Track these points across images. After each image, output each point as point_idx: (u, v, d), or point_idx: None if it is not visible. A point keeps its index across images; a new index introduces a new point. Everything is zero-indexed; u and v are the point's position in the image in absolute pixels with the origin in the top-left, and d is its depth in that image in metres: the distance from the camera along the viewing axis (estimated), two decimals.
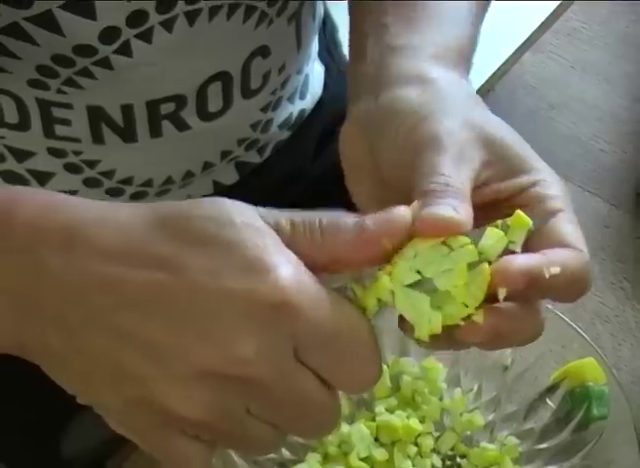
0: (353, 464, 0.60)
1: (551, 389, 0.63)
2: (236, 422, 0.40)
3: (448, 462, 0.62)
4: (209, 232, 0.39)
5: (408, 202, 0.44)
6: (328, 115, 0.84)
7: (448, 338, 0.43)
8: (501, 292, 0.43)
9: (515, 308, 0.44)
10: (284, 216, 0.42)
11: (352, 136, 0.54)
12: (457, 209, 0.43)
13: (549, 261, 0.43)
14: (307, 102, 0.80)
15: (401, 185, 0.48)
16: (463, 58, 0.56)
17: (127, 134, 0.66)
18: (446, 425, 0.63)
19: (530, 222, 0.44)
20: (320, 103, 0.82)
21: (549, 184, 0.48)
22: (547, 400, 0.63)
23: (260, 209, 0.42)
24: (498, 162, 0.48)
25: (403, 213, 0.42)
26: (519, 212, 0.44)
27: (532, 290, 0.43)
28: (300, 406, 0.40)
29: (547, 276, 0.43)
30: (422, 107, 0.50)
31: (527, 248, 0.46)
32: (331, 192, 0.84)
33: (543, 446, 0.62)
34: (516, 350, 0.64)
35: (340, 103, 0.86)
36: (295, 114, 0.78)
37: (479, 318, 0.42)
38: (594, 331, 0.70)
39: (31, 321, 0.41)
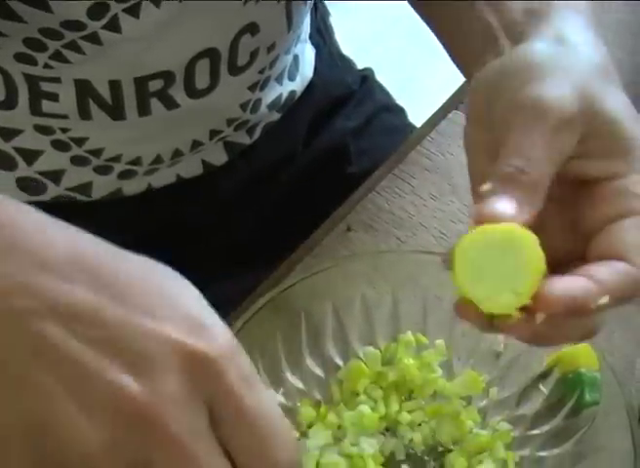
0: (346, 451, 0.60)
1: (544, 375, 0.63)
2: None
3: (440, 448, 0.62)
4: (156, 280, 0.39)
5: None
6: (319, 99, 0.84)
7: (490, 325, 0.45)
8: (539, 317, 0.43)
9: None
10: None
11: (477, 89, 0.51)
12: (517, 207, 0.44)
13: (598, 289, 0.43)
14: (297, 84, 0.80)
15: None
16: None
17: (115, 111, 0.65)
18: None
19: None
20: (311, 87, 0.82)
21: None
22: (540, 386, 0.63)
23: None
24: (597, 139, 0.47)
25: None
26: None
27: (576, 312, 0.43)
28: None
29: (594, 307, 0.43)
30: (541, 65, 0.48)
31: (588, 248, 0.47)
32: (320, 180, 0.85)
33: (536, 431, 0.62)
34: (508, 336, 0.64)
35: (332, 88, 0.86)
36: (284, 95, 0.78)
37: (516, 314, 0.44)
38: None
39: None
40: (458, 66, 0.57)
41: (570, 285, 0.43)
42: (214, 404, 0.37)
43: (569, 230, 0.49)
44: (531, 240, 0.44)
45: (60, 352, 0.36)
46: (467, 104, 0.52)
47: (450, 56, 0.58)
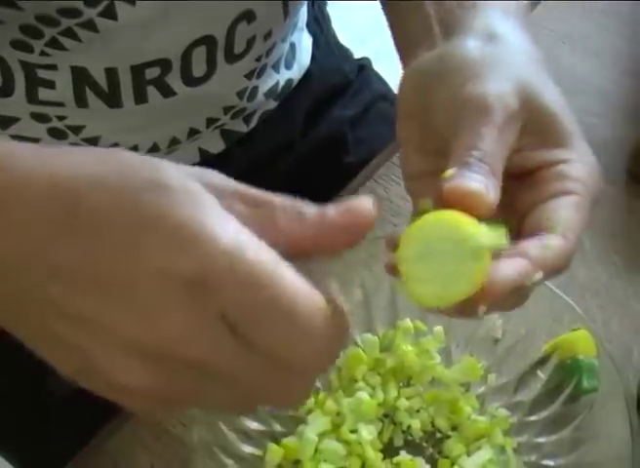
0: (345, 437, 0.60)
1: (542, 362, 0.63)
2: (185, 392, 0.38)
3: (438, 434, 0.62)
4: (141, 196, 0.36)
5: (449, 159, 0.46)
6: (316, 88, 0.84)
7: None
8: (482, 310, 0.43)
9: None
10: (247, 191, 0.39)
11: (410, 84, 0.52)
12: (486, 186, 0.44)
13: (533, 268, 0.43)
14: (294, 72, 0.79)
15: (447, 141, 0.47)
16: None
17: (112, 99, 0.65)
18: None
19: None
20: (308, 75, 0.82)
21: (577, 165, 0.48)
22: (538, 372, 0.63)
23: (225, 180, 0.39)
24: (536, 131, 0.48)
25: (367, 205, 0.39)
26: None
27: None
28: (248, 381, 0.38)
29: (529, 284, 0.44)
30: (477, 64, 0.49)
31: (523, 225, 0.47)
32: (317, 169, 0.85)
33: (534, 418, 0.62)
34: (507, 323, 0.64)
35: (329, 77, 0.86)
36: (281, 83, 0.78)
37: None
38: (584, 305, 0.69)
39: None
40: (400, 59, 0.58)
41: (507, 271, 0.43)
42: (229, 317, 0.36)
43: (507, 213, 0.49)
44: (487, 255, 0.42)
45: (65, 311, 0.37)
46: (398, 96, 0.53)
47: (397, 50, 0.59)
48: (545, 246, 0.45)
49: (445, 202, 0.43)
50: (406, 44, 0.57)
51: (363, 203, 0.38)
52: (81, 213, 0.36)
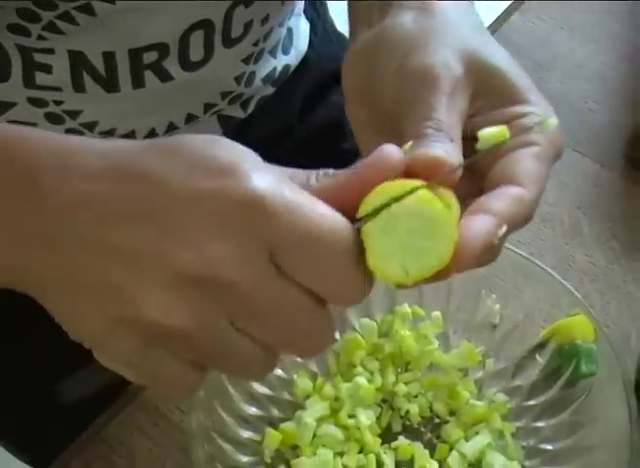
0: (343, 422, 0.60)
1: (540, 346, 0.63)
2: (219, 335, 0.39)
3: (436, 419, 0.62)
4: (194, 147, 0.39)
5: (403, 134, 0.45)
6: (314, 74, 0.83)
7: None
8: (452, 274, 0.42)
9: None
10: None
11: (353, 64, 0.53)
12: (447, 151, 0.43)
13: (498, 223, 0.43)
14: (292, 58, 0.79)
15: (398, 117, 0.47)
16: None
17: (109, 84, 0.64)
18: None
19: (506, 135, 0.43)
20: (306, 61, 0.81)
21: (536, 118, 0.48)
22: (536, 356, 0.63)
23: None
24: (489, 92, 0.48)
25: (395, 149, 0.40)
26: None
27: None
28: (284, 317, 0.39)
29: (496, 241, 0.43)
30: (417, 35, 0.49)
31: (486, 180, 0.47)
32: (315, 156, 0.84)
33: (532, 402, 0.62)
34: (505, 308, 0.64)
35: (327, 63, 0.86)
36: (279, 69, 0.77)
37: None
38: (583, 290, 0.69)
39: (17, 243, 0.40)
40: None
41: (475, 235, 0.42)
42: (273, 256, 0.38)
43: (468, 175, 0.47)
44: (454, 226, 0.40)
45: (124, 249, 0.38)
46: (343, 80, 0.53)
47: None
48: (507, 198, 0.44)
49: (409, 173, 0.41)
50: (352, 26, 0.57)
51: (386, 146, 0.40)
52: (140, 168, 0.39)
